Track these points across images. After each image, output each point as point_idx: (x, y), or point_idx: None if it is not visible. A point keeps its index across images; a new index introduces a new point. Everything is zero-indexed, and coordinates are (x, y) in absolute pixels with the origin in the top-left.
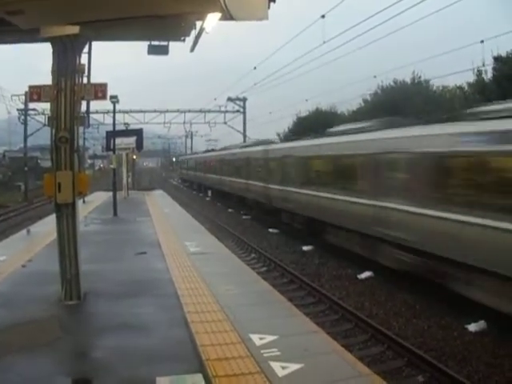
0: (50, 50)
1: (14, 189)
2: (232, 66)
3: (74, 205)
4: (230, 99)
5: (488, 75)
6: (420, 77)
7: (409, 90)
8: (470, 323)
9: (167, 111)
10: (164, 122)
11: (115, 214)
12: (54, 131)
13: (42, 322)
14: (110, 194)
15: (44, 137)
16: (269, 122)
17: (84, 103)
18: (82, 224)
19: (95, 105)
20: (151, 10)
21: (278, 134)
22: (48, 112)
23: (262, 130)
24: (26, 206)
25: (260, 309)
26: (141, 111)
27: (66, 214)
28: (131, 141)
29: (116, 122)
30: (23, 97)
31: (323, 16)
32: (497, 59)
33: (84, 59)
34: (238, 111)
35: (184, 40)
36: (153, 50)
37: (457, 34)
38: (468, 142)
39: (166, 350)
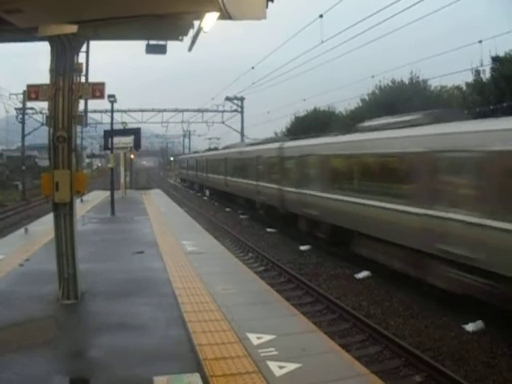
0: (48, 49)
1: (11, 188)
2: (230, 66)
3: (71, 204)
4: (227, 98)
5: (486, 75)
6: (418, 77)
7: (407, 90)
8: (467, 323)
9: (165, 110)
10: (162, 122)
11: (113, 213)
12: (51, 130)
13: (39, 321)
14: (108, 193)
15: (42, 136)
16: (267, 122)
17: (82, 102)
18: (80, 223)
19: (93, 104)
20: (149, 10)
21: (276, 134)
22: (46, 111)
23: (260, 130)
24: (23, 205)
25: (257, 308)
26: (139, 110)
27: (64, 213)
28: (129, 140)
29: (114, 121)
30: (21, 95)
31: (321, 16)
32: (495, 59)
33: (82, 58)
34: (235, 111)
35: (182, 39)
36: (151, 50)
37: (455, 34)
38: None
39: (163, 349)
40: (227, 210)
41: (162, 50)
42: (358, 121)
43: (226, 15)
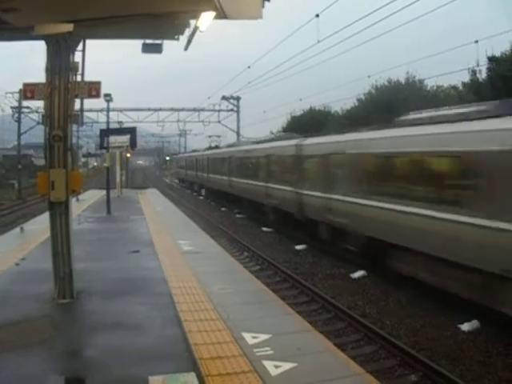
0: (44, 48)
1: (7, 187)
2: (226, 65)
3: (67, 203)
4: (224, 98)
5: (482, 75)
6: (414, 76)
7: (403, 90)
8: (462, 323)
9: (161, 110)
10: (158, 121)
11: (109, 212)
12: (47, 129)
13: (34, 320)
14: (104, 192)
15: (38, 135)
16: (263, 121)
17: (78, 101)
18: (76, 222)
19: (89, 103)
20: (146, 9)
21: (272, 133)
22: (42, 110)
23: (256, 129)
24: (19, 203)
25: (253, 308)
26: (135, 109)
27: (60, 212)
28: (125, 139)
29: (110, 120)
30: (17, 94)
31: (317, 15)
32: (491, 59)
33: (79, 57)
34: (231, 110)
35: (178, 39)
36: (147, 49)
37: (452, 34)
38: None
39: (158, 348)
40: (223, 209)
41: (158, 49)
42: (354, 120)
43: (222, 15)
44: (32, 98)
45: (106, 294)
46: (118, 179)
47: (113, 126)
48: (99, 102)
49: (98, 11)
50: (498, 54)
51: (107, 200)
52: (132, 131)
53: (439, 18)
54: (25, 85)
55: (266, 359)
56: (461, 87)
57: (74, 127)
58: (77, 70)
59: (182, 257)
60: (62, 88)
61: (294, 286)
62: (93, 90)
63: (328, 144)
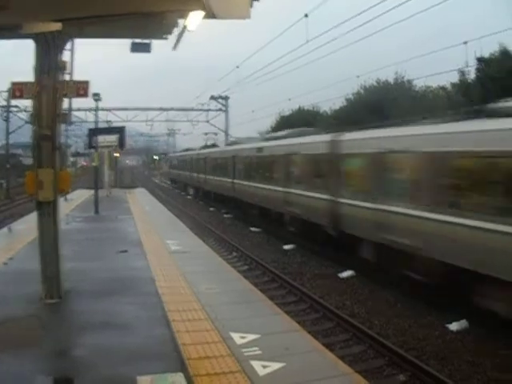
0: (33, 47)
1: None
2: (215, 65)
3: (55, 203)
4: (212, 98)
5: (472, 76)
6: (403, 77)
7: (392, 90)
8: (451, 322)
9: (149, 109)
10: (146, 120)
11: (97, 212)
12: (35, 128)
13: (22, 320)
14: (93, 191)
15: (26, 134)
16: (251, 121)
17: (66, 100)
18: (64, 222)
19: (78, 102)
20: (134, 8)
21: (260, 133)
22: (30, 109)
23: (245, 129)
24: (7, 203)
25: (241, 307)
26: (123, 109)
27: (48, 211)
28: (113, 139)
29: (98, 119)
30: (5, 93)
31: (306, 15)
32: (480, 60)
33: (68, 56)
34: (220, 110)
35: (166, 38)
36: (136, 48)
37: (442, 35)
38: None
39: (147, 348)
40: (211, 209)
41: (146, 48)
42: (342, 120)
43: (210, 14)
44: (20, 97)
45: (94, 293)
46: (106, 179)
47: (101, 125)
48: (88, 102)
49: (87, 10)
50: (487, 54)
51: (95, 200)
52: (121, 131)
53: (430, 19)
54: (13, 84)
55: (254, 359)
56: (450, 88)
57: (63, 126)
58: (65, 69)
59: (169, 256)
60: (50, 87)
61: (282, 285)
62: (81, 89)
63: (385, 139)
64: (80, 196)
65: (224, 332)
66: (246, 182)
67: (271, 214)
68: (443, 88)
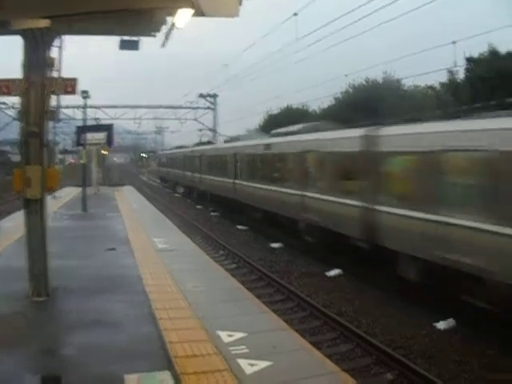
0: (21, 43)
1: None
2: (204, 63)
3: (42, 200)
4: (201, 96)
5: (460, 76)
6: (393, 76)
7: (381, 90)
8: (438, 321)
9: (138, 107)
10: (134, 118)
11: (85, 209)
12: (23, 125)
13: (8, 318)
14: (81, 189)
15: (15, 131)
16: (240, 119)
17: (54, 97)
18: (52, 219)
19: (66, 99)
20: (122, 5)
21: (249, 131)
22: (18, 105)
23: (233, 127)
24: None
25: (228, 306)
26: (111, 106)
27: (35, 209)
28: (101, 136)
29: (87, 116)
30: None
31: (296, 14)
32: (469, 60)
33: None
34: (208, 108)
35: (155, 36)
36: (124, 45)
37: (431, 35)
38: None
39: (134, 347)
40: (198, 207)
41: (134, 46)
42: (331, 119)
43: (198, 12)
44: (8, 93)
45: (82, 291)
46: (94, 176)
47: (90, 122)
48: (76, 99)
49: (75, 7)
50: (475, 54)
51: (83, 197)
52: (109, 128)
53: (419, 18)
54: (0, 80)
55: (242, 357)
56: (438, 87)
57: (51, 124)
58: (53, 66)
59: (157, 254)
60: (38, 84)
61: (269, 284)
62: (69, 86)
63: (447, 135)
64: (68, 193)
65: (211, 330)
66: (250, 183)
67: (280, 220)
68: (432, 87)
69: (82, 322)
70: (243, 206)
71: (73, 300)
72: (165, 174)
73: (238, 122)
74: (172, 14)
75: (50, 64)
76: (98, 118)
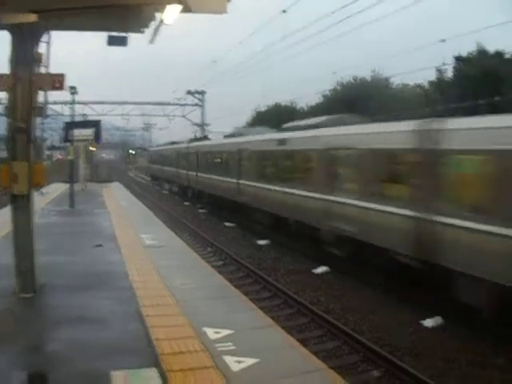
0: (8, 38)
1: None
2: (193, 60)
3: (29, 196)
4: (189, 92)
5: (449, 74)
6: (381, 74)
7: (369, 88)
8: (425, 319)
9: (126, 103)
10: (122, 114)
11: (72, 205)
12: (10, 121)
13: None
14: (68, 185)
15: (1, 126)
16: (227, 116)
17: (42, 93)
18: (39, 215)
19: (54, 95)
20: (110, 0)
21: (236, 128)
22: (5, 101)
23: (220, 124)
24: None
25: (215, 303)
26: (99, 102)
27: (22, 205)
28: (89, 132)
29: (75, 113)
30: None
31: (284, 11)
32: (458, 59)
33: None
34: (196, 105)
35: (143, 32)
36: (113, 41)
37: (420, 33)
38: None
39: (120, 343)
40: (186, 203)
41: (123, 42)
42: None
43: (186, 8)
44: None
45: (69, 288)
46: (81, 172)
47: (78, 118)
48: (64, 95)
49: (64, 1)
50: (464, 53)
51: (71, 193)
52: (96, 125)
53: (409, 16)
54: None
55: (228, 354)
56: (427, 86)
57: (39, 120)
58: (40, 61)
59: (144, 251)
60: (26, 79)
61: (256, 281)
62: (56, 82)
63: None
64: (56, 190)
65: (198, 327)
66: (258, 184)
67: (294, 226)
68: (420, 86)
69: (69, 318)
70: (248, 209)
71: (59, 296)
72: (156, 172)
73: (225, 119)
74: (160, 10)
75: (37, 59)
76: (85, 114)
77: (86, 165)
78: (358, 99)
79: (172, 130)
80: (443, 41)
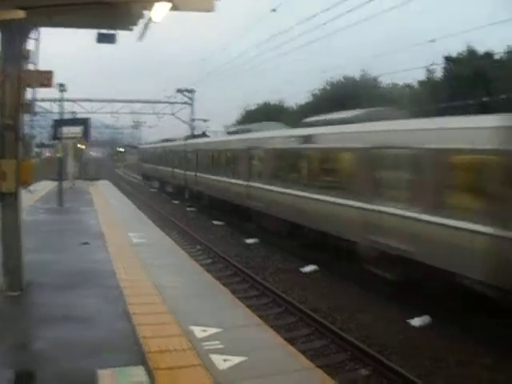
0: None
1: None
2: (182, 59)
3: (17, 194)
4: (179, 91)
5: (438, 74)
6: (370, 74)
7: (358, 87)
8: (413, 318)
9: (115, 101)
10: (112, 112)
11: (60, 203)
12: None
13: None
14: (57, 183)
15: None
16: (216, 115)
17: (30, 90)
18: (27, 213)
19: (43, 92)
20: None
21: (226, 127)
22: None
23: (210, 122)
24: None
25: (203, 301)
26: (88, 100)
27: (10, 203)
28: (78, 130)
29: (64, 110)
30: None
31: (274, 10)
32: (448, 59)
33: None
34: (186, 103)
35: (132, 29)
36: (102, 39)
37: (411, 33)
38: None
39: (107, 342)
40: (175, 202)
41: (111, 39)
42: (308, 115)
43: (174, 6)
44: None
45: (56, 286)
46: (70, 170)
47: (67, 116)
48: (53, 92)
49: None
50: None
51: (59, 191)
52: (85, 122)
53: (399, 17)
54: None
55: (215, 353)
56: (416, 85)
57: (27, 117)
58: (28, 58)
59: (131, 249)
60: (14, 76)
61: (244, 279)
62: (45, 79)
63: None
64: (44, 187)
65: (185, 325)
66: (273, 187)
67: (318, 237)
68: (409, 86)
69: (57, 317)
70: (259, 214)
71: (46, 295)
72: (148, 171)
73: (214, 117)
74: (148, 7)
75: (25, 56)
76: (74, 112)
77: (75, 163)
78: (347, 98)
79: (161, 128)
80: (433, 41)
